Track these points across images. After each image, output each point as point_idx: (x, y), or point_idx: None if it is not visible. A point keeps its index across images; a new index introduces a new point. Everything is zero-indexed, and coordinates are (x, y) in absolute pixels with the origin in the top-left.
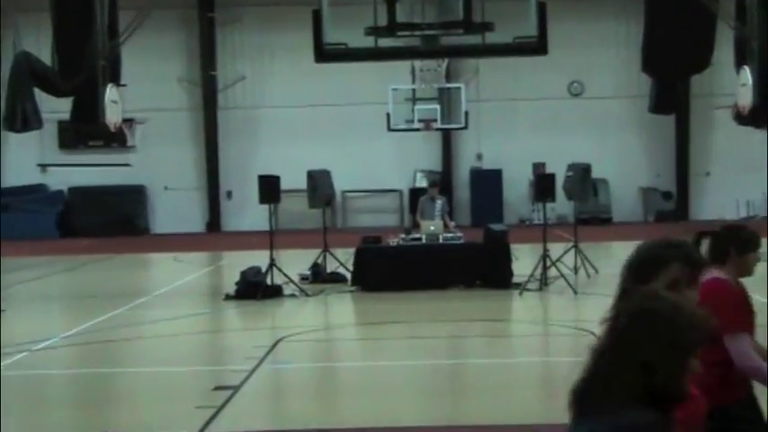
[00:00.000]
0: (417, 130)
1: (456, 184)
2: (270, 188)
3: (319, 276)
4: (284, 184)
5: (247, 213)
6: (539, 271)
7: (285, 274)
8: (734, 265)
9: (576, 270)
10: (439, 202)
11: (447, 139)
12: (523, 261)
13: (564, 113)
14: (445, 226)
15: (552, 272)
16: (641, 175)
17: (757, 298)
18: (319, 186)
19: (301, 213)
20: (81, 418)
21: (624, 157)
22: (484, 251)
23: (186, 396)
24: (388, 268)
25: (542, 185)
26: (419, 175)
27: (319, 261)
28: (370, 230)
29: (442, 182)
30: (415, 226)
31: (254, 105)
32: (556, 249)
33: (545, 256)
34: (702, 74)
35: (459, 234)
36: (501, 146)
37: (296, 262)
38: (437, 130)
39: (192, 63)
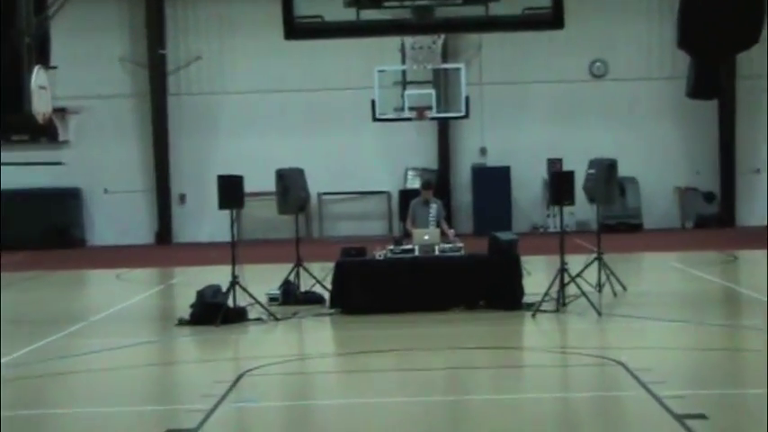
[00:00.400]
0: (408, 119)
1: (455, 184)
2: (231, 190)
3: (291, 296)
4: (249, 186)
5: (204, 221)
6: (555, 288)
7: (250, 294)
8: None
9: (599, 287)
10: (434, 207)
11: (444, 130)
12: (536, 276)
13: (584, 99)
14: (442, 234)
15: (571, 289)
16: (677, 173)
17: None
18: (291, 188)
19: (269, 221)
20: None
21: (657, 151)
22: (489, 265)
23: None
24: (374, 286)
25: (559, 185)
26: (411, 173)
27: (291, 278)
28: (352, 240)
29: (439, 182)
30: (407, 235)
31: (211, 91)
32: (576, 262)
33: (562, 270)
34: (750, 51)
35: (458, 244)
36: (509, 138)
37: (263, 279)
38: (432, 119)
39: (136, 40)
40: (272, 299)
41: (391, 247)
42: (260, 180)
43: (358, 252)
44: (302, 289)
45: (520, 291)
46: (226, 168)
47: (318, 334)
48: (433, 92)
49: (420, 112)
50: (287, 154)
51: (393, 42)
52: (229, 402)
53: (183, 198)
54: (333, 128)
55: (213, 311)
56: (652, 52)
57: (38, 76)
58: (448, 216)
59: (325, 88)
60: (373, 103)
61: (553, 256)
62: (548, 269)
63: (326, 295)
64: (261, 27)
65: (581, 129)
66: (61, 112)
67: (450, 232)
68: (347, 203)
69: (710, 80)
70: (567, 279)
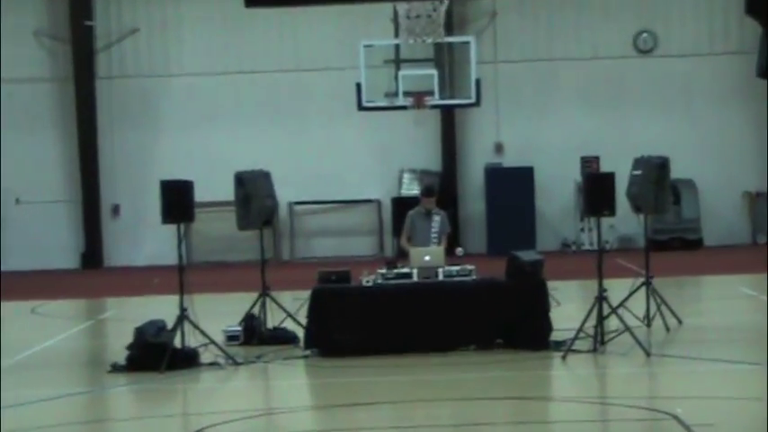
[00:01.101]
0: (403, 108)
1: (463, 190)
2: (178, 200)
3: (255, 335)
4: (200, 194)
5: (144, 239)
6: (591, 322)
7: (203, 332)
8: None
9: (648, 320)
10: (437, 219)
11: (449, 122)
12: (567, 307)
13: (627, 80)
14: (448, 254)
15: (612, 323)
16: (746, 175)
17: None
18: (254, 196)
19: (227, 238)
20: None
21: (720, 148)
22: (507, 293)
23: None
24: (361, 321)
25: (596, 191)
26: (407, 177)
27: (255, 311)
28: (332, 263)
29: (442, 188)
30: (402, 255)
31: (151, 72)
32: (618, 288)
33: (601, 298)
34: None
35: (468, 267)
36: (531, 132)
37: (220, 313)
38: (433, 108)
39: (56, 10)
40: (232, 337)
41: (383, 270)
42: (214, 186)
43: (340, 277)
44: (269, 325)
45: (546, 326)
46: (171, 172)
47: (290, 382)
48: (434, 73)
49: (418, 98)
50: (248, 153)
51: (383, 10)
52: None
53: (116, 210)
54: (307, 119)
55: (156, 354)
56: (714, 21)
57: None
58: (454, 231)
59: (297, 69)
60: (359, 87)
61: (589, 280)
62: (582, 298)
63: (300, 333)
64: None
65: (623, 119)
66: None
67: (458, 251)
68: (326, 215)
69: None
70: (606, 310)
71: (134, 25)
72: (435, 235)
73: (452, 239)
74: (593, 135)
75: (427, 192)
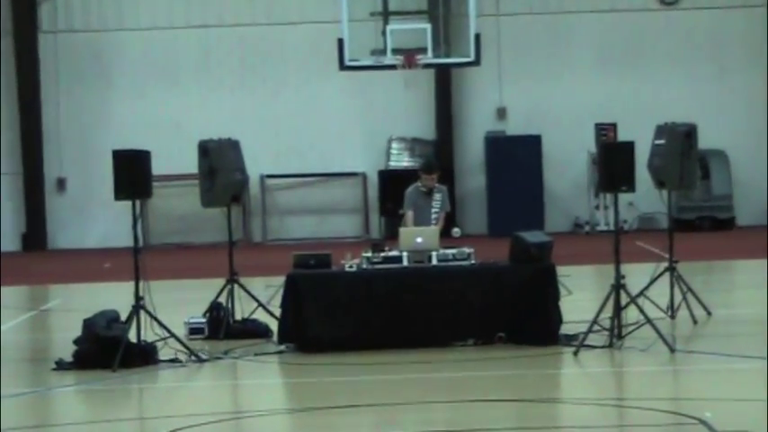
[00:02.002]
0: (392, 67)
1: (461, 162)
2: (134, 173)
3: (222, 327)
4: (159, 166)
5: (94, 218)
6: (607, 313)
7: (162, 325)
8: None
9: (672, 311)
10: (438, 197)
11: (444, 83)
12: (580, 296)
13: (649, 36)
14: (444, 236)
15: (631, 314)
16: None
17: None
18: (221, 169)
19: (190, 217)
20: None
21: (755, 113)
22: (511, 279)
23: None
24: (344, 311)
25: (612, 163)
26: (396, 146)
27: (222, 300)
28: (310, 245)
29: (437, 159)
30: (389, 237)
31: (102, 26)
32: (638, 274)
33: (618, 286)
34: None
35: (466, 250)
36: (539, 95)
37: (181, 302)
38: (426, 67)
39: None
40: (195, 330)
41: (368, 253)
42: (175, 157)
43: (319, 261)
44: (238, 316)
45: (556, 317)
46: (125, 140)
47: (262, 382)
48: (427, 27)
49: (409, 56)
50: (214, 119)
51: None
52: None
53: (61, 184)
54: (281, 81)
55: (108, 350)
56: None
57: None
58: (452, 209)
59: (270, 23)
60: (341, 43)
61: (604, 265)
62: (597, 285)
63: (274, 325)
64: None
65: (644, 80)
66: None
67: (454, 232)
68: (303, 191)
69: None
70: (624, 300)
71: None
72: (436, 215)
73: (449, 219)
74: (609, 99)
75: (428, 168)
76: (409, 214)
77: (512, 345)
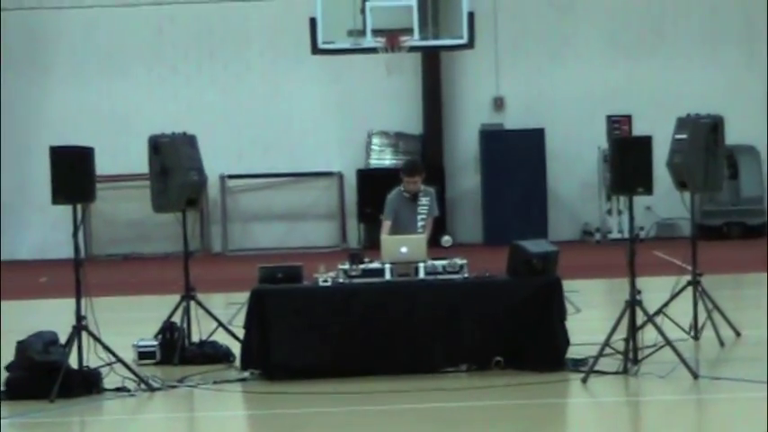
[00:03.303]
0: (373, 51)
1: (452, 159)
2: (74, 173)
3: (177, 351)
4: (103, 166)
5: (28, 224)
6: (621, 335)
7: (107, 348)
8: None
9: (696, 332)
10: (424, 201)
11: (433, 69)
12: (589, 314)
13: (669, 14)
14: (432, 244)
15: (649, 335)
16: None
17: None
18: (175, 168)
19: (139, 224)
20: None
21: None
22: (510, 296)
23: None
24: (316, 333)
25: (627, 161)
26: (378, 142)
27: (176, 320)
28: (278, 255)
29: (425, 157)
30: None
31: (38, 3)
32: (656, 290)
33: (634, 303)
34: None
35: (458, 261)
36: (542, 82)
37: (129, 322)
38: (412, 50)
39: None
40: (145, 355)
41: (345, 265)
42: (122, 155)
43: (288, 275)
44: (195, 338)
45: (562, 339)
46: (64, 136)
47: (222, 414)
48: (413, 4)
49: (392, 38)
50: (167, 111)
51: None
52: None
53: None
54: (245, 67)
55: (45, 377)
56: None
57: None
58: (442, 214)
59: None
60: (313, 23)
61: (618, 279)
62: (609, 302)
63: (236, 349)
64: None
65: (663, 65)
66: None
67: (445, 240)
68: (270, 193)
69: None
70: (641, 318)
71: None
72: (422, 222)
73: (439, 225)
74: (623, 87)
75: (410, 169)
76: (386, 224)
77: (511, 371)
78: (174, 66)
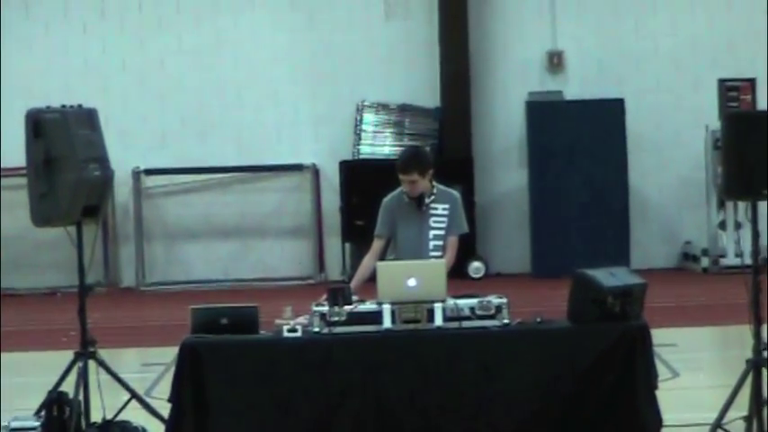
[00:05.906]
0: None
1: (485, 147)
2: None
3: None
4: None
5: None
6: (742, 410)
7: None
8: None
9: None
10: (439, 210)
11: (456, 9)
12: (692, 380)
13: None
14: (454, 275)
15: None
16: None
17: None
18: (65, 158)
19: (11, 244)
20: None
21: None
22: (574, 351)
23: None
24: (282, 410)
25: (747, 147)
26: (371, 119)
27: (68, 388)
28: (221, 292)
29: (441, 145)
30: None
31: None
32: None
33: (758, 363)
34: None
35: (494, 300)
36: (621, 29)
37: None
38: None
39: None
40: None
41: (323, 306)
42: None
43: (237, 320)
44: (96, 416)
45: (651, 417)
46: None
47: None
48: None
49: None
50: (55, 73)
51: None
52: None
53: None
54: (172, 8)
55: None
56: None
57: None
58: (471, 231)
59: None
60: None
61: (734, 326)
62: (721, 361)
63: (157, 430)
64: None
65: None
66: None
67: (474, 268)
68: (210, 197)
69: None
70: None
71: None
72: (437, 242)
73: (466, 247)
74: (741, 38)
75: (405, 163)
76: (377, 244)
77: None
78: (66, 7)
